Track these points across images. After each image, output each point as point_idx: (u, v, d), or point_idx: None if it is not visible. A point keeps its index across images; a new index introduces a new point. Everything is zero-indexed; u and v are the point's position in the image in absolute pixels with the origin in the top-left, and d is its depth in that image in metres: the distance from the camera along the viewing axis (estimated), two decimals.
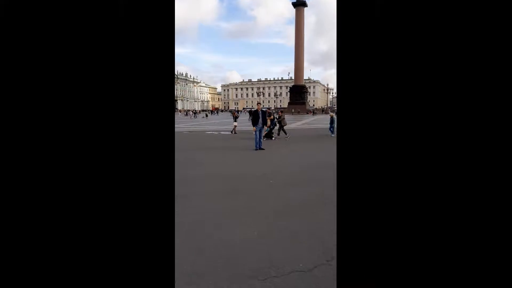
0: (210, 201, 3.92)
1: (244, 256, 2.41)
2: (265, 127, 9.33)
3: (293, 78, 64.04)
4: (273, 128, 12.15)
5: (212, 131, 17.19)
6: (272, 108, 40.24)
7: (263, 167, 6.35)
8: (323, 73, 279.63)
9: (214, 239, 2.74)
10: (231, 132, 15.16)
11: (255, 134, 9.13)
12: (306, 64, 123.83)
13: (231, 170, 6.08)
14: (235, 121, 16.10)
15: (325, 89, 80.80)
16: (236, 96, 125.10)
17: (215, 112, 74.74)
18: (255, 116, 9.30)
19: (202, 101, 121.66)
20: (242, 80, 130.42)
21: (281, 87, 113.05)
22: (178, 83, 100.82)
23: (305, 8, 59.44)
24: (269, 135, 11.70)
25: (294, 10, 59.38)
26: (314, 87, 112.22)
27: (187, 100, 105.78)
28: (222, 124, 24.12)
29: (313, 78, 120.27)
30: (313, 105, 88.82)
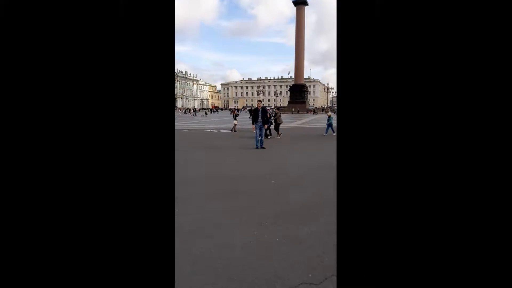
0: (208, 205, 3.77)
1: (246, 269, 2.23)
2: (265, 126, 9.14)
3: (293, 77, 63.92)
4: (269, 126, 11.98)
5: (212, 129, 17.07)
6: (272, 107, 40.05)
7: (264, 167, 6.26)
8: (323, 72, 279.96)
9: (211, 250, 2.58)
10: (231, 130, 14.98)
11: (255, 132, 9.00)
12: (306, 63, 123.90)
13: (231, 170, 5.92)
14: (235, 119, 15.91)
15: (325, 88, 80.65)
16: (236, 95, 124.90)
17: (215, 110, 74.52)
18: (255, 114, 9.12)
19: (201, 99, 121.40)
20: (242, 79, 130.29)
21: (281, 86, 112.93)
22: (177, 81, 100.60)
23: (306, 7, 59.24)
24: (265, 134, 11.50)
25: (294, 8, 59.16)
26: (314, 86, 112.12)
27: (186, 98, 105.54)
28: (222, 122, 23.98)
29: (313, 77, 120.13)
30: (313, 104, 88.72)
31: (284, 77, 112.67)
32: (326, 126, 13.37)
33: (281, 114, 13.38)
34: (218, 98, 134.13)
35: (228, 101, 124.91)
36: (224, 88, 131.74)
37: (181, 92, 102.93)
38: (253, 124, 9.20)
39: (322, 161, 6.56)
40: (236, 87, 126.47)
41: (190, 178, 4.87)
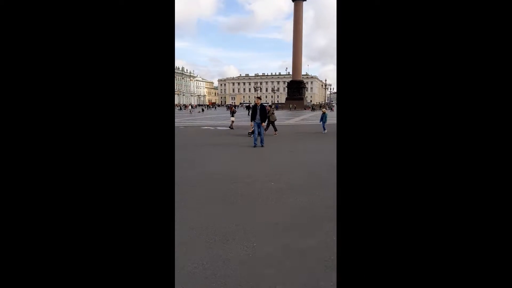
0: (203, 213, 3.42)
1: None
2: (263, 124, 8.83)
3: (290, 73, 63.51)
4: (268, 124, 11.69)
5: (208, 126, 16.72)
6: (270, 103, 39.76)
7: (263, 167, 5.98)
8: (320, 68, 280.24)
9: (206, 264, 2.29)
10: (229, 127, 14.64)
11: (254, 130, 8.74)
12: (304, 60, 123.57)
13: (229, 170, 5.58)
14: (233, 115, 15.57)
15: (323, 84, 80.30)
16: (233, 91, 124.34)
17: (213, 107, 73.96)
18: (254, 111, 8.84)
19: (198, 95, 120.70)
20: (239, 75, 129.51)
21: (278, 82, 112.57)
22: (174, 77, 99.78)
23: (304, 2, 58.68)
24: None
25: (292, 4, 58.58)
26: (311, 82, 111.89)
27: (183, 95, 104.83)
28: (219, 119, 23.61)
29: (311, 73, 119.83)
30: (311, 100, 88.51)
31: (281, 73, 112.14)
32: (322, 123, 13.01)
33: (275, 111, 13.04)
34: (215, 95, 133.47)
35: (225, 97, 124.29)
36: (221, 84, 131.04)
37: (178, 88, 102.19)
38: (251, 121, 8.96)
39: (324, 160, 6.29)
40: (233, 83, 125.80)
41: (183, 180, 4.55)
